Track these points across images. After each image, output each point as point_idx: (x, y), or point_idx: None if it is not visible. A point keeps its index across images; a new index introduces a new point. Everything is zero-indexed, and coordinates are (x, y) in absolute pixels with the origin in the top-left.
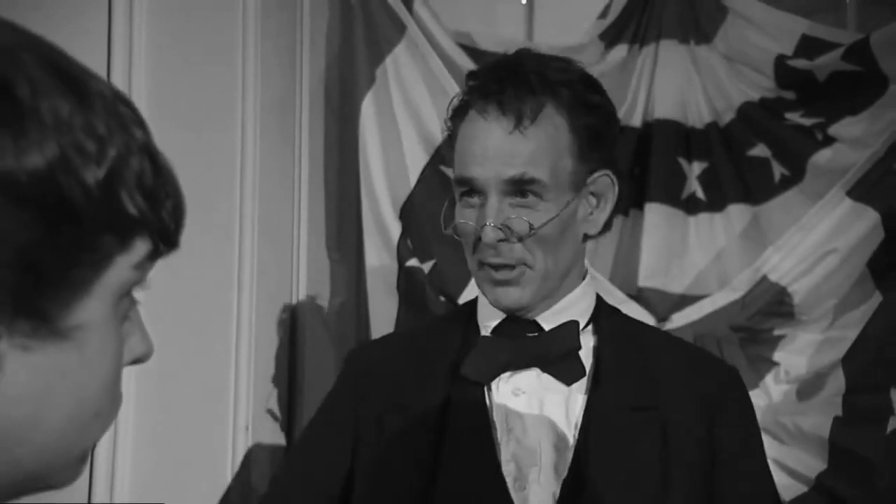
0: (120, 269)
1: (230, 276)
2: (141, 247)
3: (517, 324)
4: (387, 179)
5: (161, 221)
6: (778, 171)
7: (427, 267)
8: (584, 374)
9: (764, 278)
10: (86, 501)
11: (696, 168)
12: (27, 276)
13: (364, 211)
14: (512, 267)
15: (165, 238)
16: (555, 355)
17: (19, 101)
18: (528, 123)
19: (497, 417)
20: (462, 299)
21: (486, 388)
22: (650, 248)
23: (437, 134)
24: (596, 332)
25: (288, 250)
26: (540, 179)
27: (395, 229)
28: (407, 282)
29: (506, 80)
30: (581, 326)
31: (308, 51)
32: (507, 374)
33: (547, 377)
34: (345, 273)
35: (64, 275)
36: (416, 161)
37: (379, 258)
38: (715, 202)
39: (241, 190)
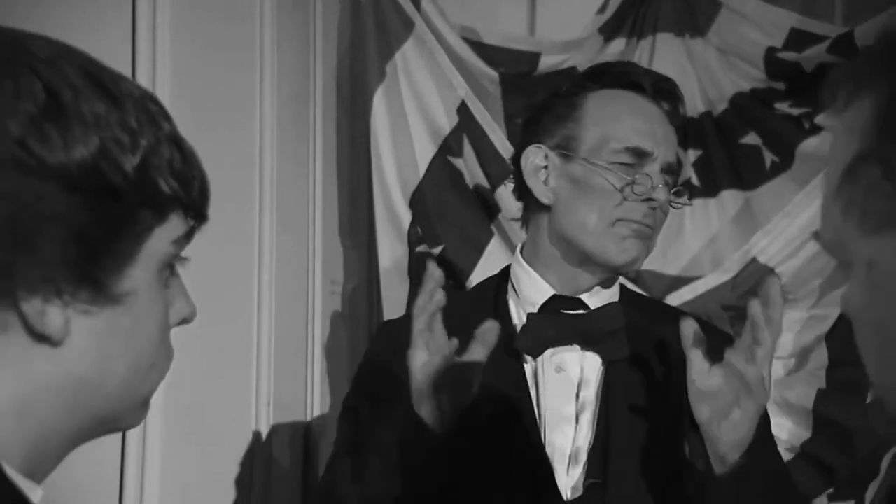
0: (159, 240)
1: (251, 262)
2: (176, 222)
3: (564, 302)
4: (397, 170)
5: (191, 197)
6: (769, 158)
7: (436, 252)
8: (627, 352)
9: (753, 260)
10: (118, 472)
11: (691, 156)
12: (83, 250)
13: (376, 200)
14: (652, 229)
15: (196, 212)
16: (602, 333)
17: (64, 105)
18: (675, 119)
19: (544, 394)
20: (470, 283)
21: (524, 365)
22: None
23: (445, 126)
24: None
25: (304, 237)
26: (678, 168)
27: (406, 217)
28: (417, 267)
29: (664, 80)
30: (617, 300)
31: (321, 48)
32: (551, 350)
33: (588, 354)
34: (357, 259)
35: (112, 246)
36: (424, 152)
37: (390, 244)
38: (709, 188)
39: (259, 180)
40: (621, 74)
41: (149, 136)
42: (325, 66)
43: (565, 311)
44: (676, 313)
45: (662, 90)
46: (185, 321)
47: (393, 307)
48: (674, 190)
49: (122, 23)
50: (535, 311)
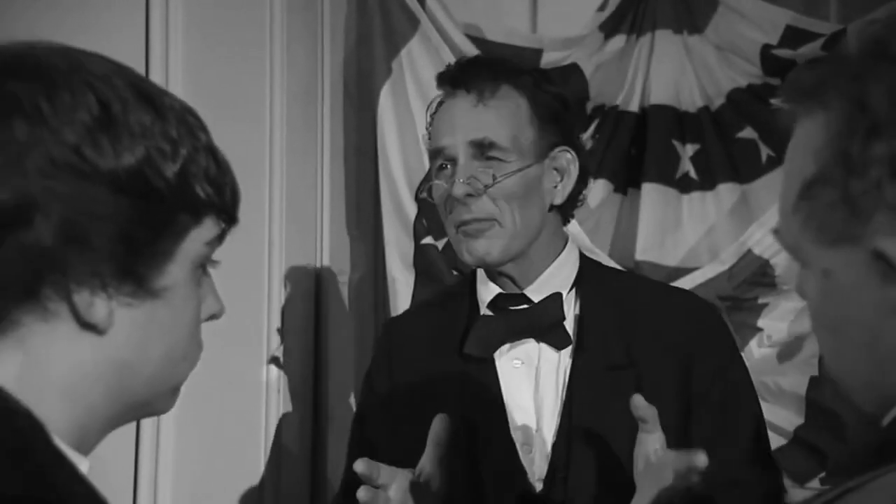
0: (194, 241)
1: (261, 253)
2: (210, 225)
3: (508, 298)
4: (403, 164)
5: (224, 202)
6: (764, 152)
7: (441, 244)
8: (570, 342)
9: (749, 252)
10: (133, 460)
11: (689, 150)
12: (127, 248)
13: (382, 193)
14: (482, 221)
15: (227, 215)
16: (544, 326)
17: (115, 116)
18: (489, 96)
19: (504, 387)
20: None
21: (492, 360)
22: (646, 224)
23: None
24: (580, 296)
25: (312, 228)
26: (500, 143)
27: (412, 210)
28: (422, 258)
29: (469, 67)
30: (566, 293)
31: (329, 46)
32: (507, 346)
33: (542, 345)
34: (363, 249)
35: (154, 245)
36: None
37: (397, 236)
38: (706, 181)
39: (269, 173)
40: (440, 85)
41: (188, 145)
42: (333, 63)
43: (513, 308)
44: (646, 289)
45: (459, 79)
46: (213, 317)
47: (398, 297)
48: (484, 170)
49: (135, 22)
50: (485, 307)
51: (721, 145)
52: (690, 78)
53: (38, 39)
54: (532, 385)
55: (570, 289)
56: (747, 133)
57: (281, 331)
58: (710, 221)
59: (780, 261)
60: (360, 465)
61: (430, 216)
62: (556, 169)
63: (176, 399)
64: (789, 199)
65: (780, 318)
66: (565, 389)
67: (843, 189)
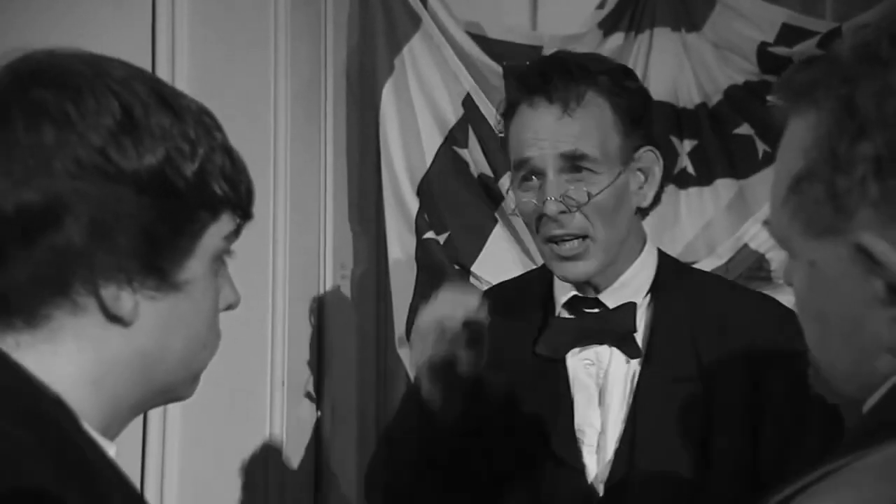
0: (213, 236)
1: (266, 247)
2: (226, 220)
3: (584, 301)
4: (405, 159)
5: (239, 198)
6: (761, 148)
7: (442, 239)
8: (640, 355)
9: (745, 246)
10: (140, 447)
11: (686, 146)
12: (151, 245)
13: (385, 188)
14: (575, 239)
15: (243, 211)
16: (616, 334)
17: (137, 120)
18: (575, 107)
19: (572, 387)
20: (474, 268)
21: (563, 360)
22: (645, 219)
23: (451, 117)
24: (654, 304)
25: (315, 223)
26: (590, 154)
27: (414, 205)
28: (424, 252)
29: (550, 74)
30: (640, 300)
31: (332, 43)
32: (578, 348)
33: (614, 350)
34: (366, 244)
35: (175, 241)
36: (431, 142)
37: (399, 231)
38: (704, 177)
39: (273, 169)
40: (520, 83)
41: (205, 145)
42: (336, 60)
43: (588, 311)
44: (724, 292)
45: (540, 87)
46: (230, 307)
47: (400, 291)
48: (577, 181)
49: (142, 20)
50: (561, 308)
51: (718, 141)
52: (688, 75)
53: (57, 46)
54: (600, 388)
55: (646, 294)
56: (744, 129)
57: (285, 323)
58: (707, 216)
59: (776, 255)
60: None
61: (431, 211)
62: (640, 170)
63: (197, 385)
64: (779, 193)
65: None
66: (632, 397)
67: (830, 185)
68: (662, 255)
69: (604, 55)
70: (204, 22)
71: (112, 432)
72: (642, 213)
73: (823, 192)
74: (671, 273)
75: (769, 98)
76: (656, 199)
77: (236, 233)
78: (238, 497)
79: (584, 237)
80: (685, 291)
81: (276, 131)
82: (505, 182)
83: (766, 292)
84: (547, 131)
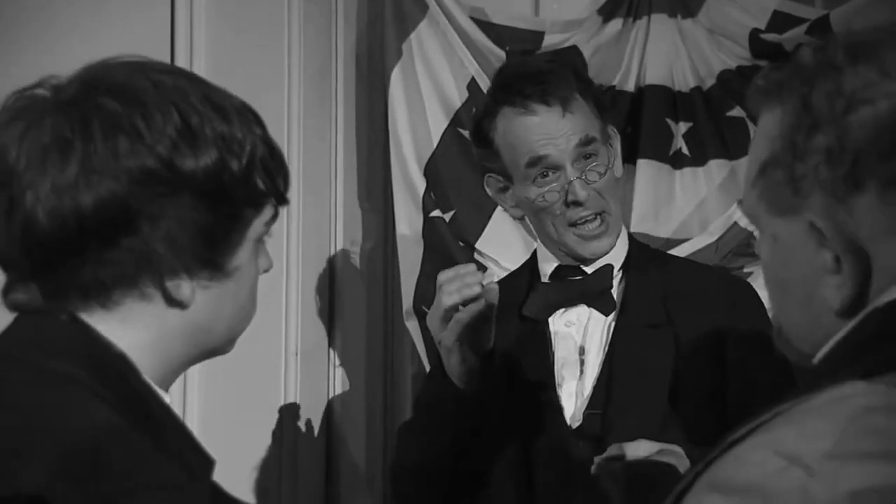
0: (256, 227)
1: (279, 224)
2: (267, 210)
3: (567, 270)
4: (413, 141)
5: (278, 189)
6: (752, 130)
7: (448, 217)
8: (615, 307)
9: (735, 224)
10: None
11: (681, 127)
12: (207, 243)
13: (393, 168)
14: (597, 217)
15: (281, 198)
16: (594, 292)
17: (194, 129)
18: (569, 105)
19: (556, 346)
20: (478, 244)
21: (546, 326)
22: (641, 198)
23: (456, 100)
24: (628, 267)
25: (326, 201)
26: (595, 137)
27: (420, 184)
28: (431, 230)
29: (543, 81)
30: (618, 266)
31: (343, 29)
32: (562, 310)
33: (592, 310)
34: (374, 221)
35: (227, 238)
36: (437, 124)
37: (406, 209)
38: (698, 158)
39: (287, 149)
40: (507, 91)
41: (249, 142)
42: (346, 45)
43: (570, 278)
44: (688, 265)
45: (536, 96)
46: (265, 271)
47: (408, 266)
48: (591, 166)
49: (162, 10)
50: (547, 279)
51: (712, 123)
52: (684, 59)
53: (114, 56)
54: (579, 342)
55: (621, 266)
56: (736, 112)
57: (298, 296)
58: (701, 195)
59: None
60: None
61: (437, 190)
62: (610, 145)
63: (235, 343)
64: (750, 177)
65: (762, 286)
66: (608, 344)
67: (790, 171)
68: (631, 236)
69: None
70: (221, 11)
71: (166, 384)
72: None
73: (784, 177)
74: (640, 250)
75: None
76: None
77: (275, 217)
78: (254, 460)
79: (603, 213)
80: (654, 263)
81: (290, 114)
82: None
83: (755, 268)
84: (557, 129)
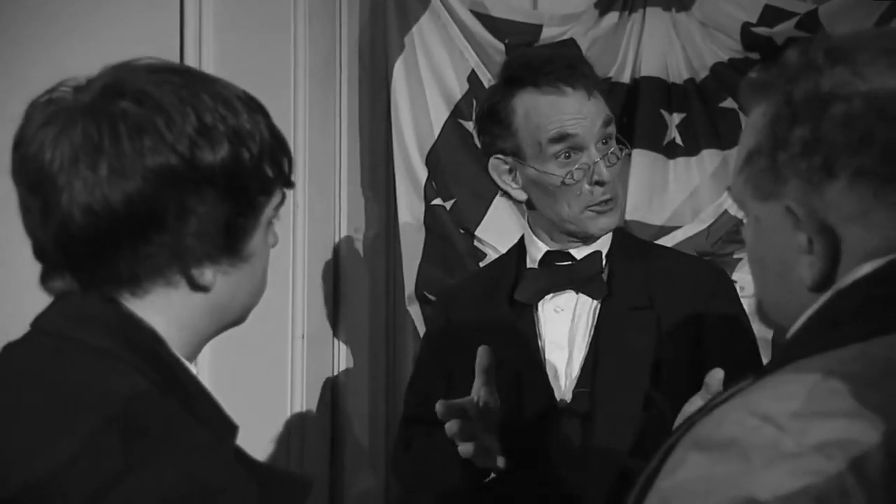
0: (267, 212)
1: (286, 212)
2: (277, 195)
3: (556, 255)
4: (414, 131)
5: (283, 174)
6: (744, 120)
7: (449, 205)
8: (604, 292)
9: (725, 212)
10: None
11: (675, 118)
12: (226, 233)
13: (396, 158)
14: (610, 199)
15: (287, 182)
16: (584, 278)
17: (209, 126)
18: (592, 90)
19: (543, 329)
20: (478, 232)
21: (535, 309)
22: (635, 186)
23: (457, 92)
24: (612, 254)
25: (331, 190)
26: (613, 118)
27: (422, 173)
28: (432, 217)
29: (575, 66)
30: (605, 253)
31: (347, 23)
32: (550, 295)
33: (580, 295)
34: (377, 210)
35: (244, 227)
36: (438, 115)
37: (408, 198)
38: (691, 147)
39: (293, 139)
40: (533, 73)
41: (255, 131)
42: (350, 40)
43: (558, 263)
44: (670, 254)
45: (570, 79)
46: (272, 246)
47: (410, 252)
48: (612, 149)
49: (171, 8)
50: (536, 265)
51: (705, 114)
52: (677, 52)
53: (130, 60)
54: (568, 326)
55: (606, 253)
56: (728, 103)
57: (304, 281)
58: (693, 184)
59: None
60: (440, 407)
61: (438, 179)
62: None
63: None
64: (738, 165)
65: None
66: (594, 326)
67: (772, 159)
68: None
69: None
70: (229, 7)
71: (192, 356)
72: None
73: (766, 165)
74: (624, 236)
75: (749, 75)
76: None
77: (282, 201)
78: (262, 438)
79: (616, 196)
80: (637, 250)
81: (296, 106)
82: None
83: (742, 255)
84: (586, 110)
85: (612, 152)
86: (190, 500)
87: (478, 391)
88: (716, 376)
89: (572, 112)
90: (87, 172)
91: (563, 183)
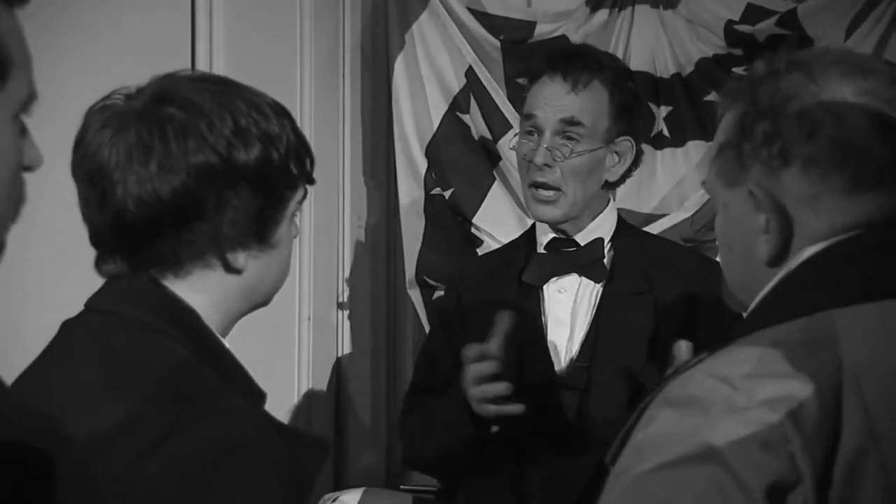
0: (292, 205)
1: None
2: (300, 190)
3: (562, 241)
4: (415, 124)
5: (306, 172)
6: None
7: (447, 194)
8: (606, 276)
9: (708, 201)
10: None
11: (663, 111)
12: (258, 223)
13: (397, 149)
14: (551, 189)
15: (310, 179)
16: (587, 262)
17: (242, 128)
18: (581, 88)
19: (547, 308)
20: (475, 219)
21: (540, 290)
22: (623, 182)
23: (455, 87)
24: (615, 243)
25: (335, 179)
26: (583, 123)
27: (422, 164)
28: (432, 206)
29: (572, 59)
30: (606, 241)
31: (350, 21)
32: (555, 278)
33: (583, 279)
34: (379, 198)
35: (273, 218)
36: (437, 109)
37: (409, 187)
38: (677, 139)
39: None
40: (543, 64)
41: (283, 134)
42: (353, 36)
43: (564, 249)
44: (667, 245)
45: (560, 66)
46: (294, 237)
47: (410, 239)
48: (565, 144)
49: (182, 11)
50: (543, 249)
51: (691, 107)
52: (665, 48)
53: (179, 70)
54: (570, 306)
55: (609, 241)
56: (713, 97)
57: (310, 267)
58: (679, 174)
59: None
60: (469, 350)
61: (437, 170)
62: (616, 152)
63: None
64: (711, 158)
65: None
66: (596, 308)
67: (738, 150)
68: (620, 216)
69: (618, 57)
70: (238, 7)
71: (226, 332)
72: (610, 186)
73: (733, 155)
74: (626, 227)
75: (734, 69)
76: (623, 178)
77: (305, 196)
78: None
79: (558, 189)
80: (637, 239)
81: (302, 101)
82: (503, 144)
83: None
84: (555, 99)
85: (562, 144)
86: (232, 453)
87: (496, 343)
88: (681, 347)
89: (544, 97)
90: (140, 169)
91: (521, 154)
